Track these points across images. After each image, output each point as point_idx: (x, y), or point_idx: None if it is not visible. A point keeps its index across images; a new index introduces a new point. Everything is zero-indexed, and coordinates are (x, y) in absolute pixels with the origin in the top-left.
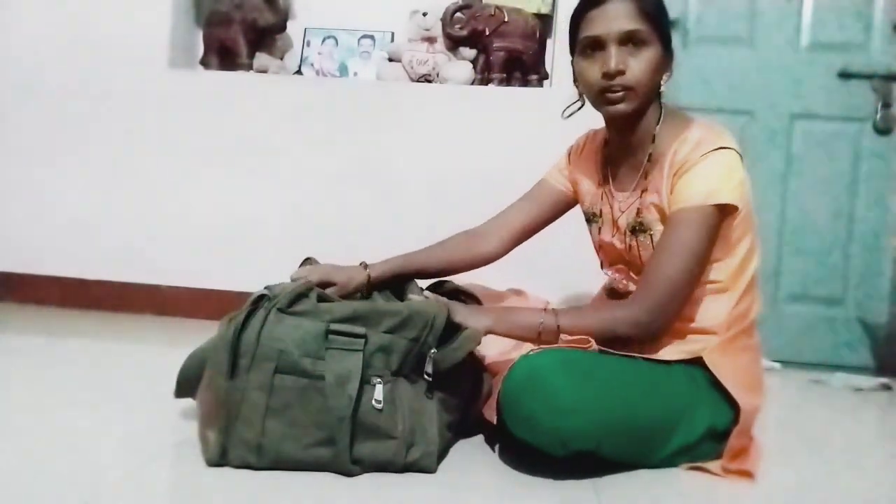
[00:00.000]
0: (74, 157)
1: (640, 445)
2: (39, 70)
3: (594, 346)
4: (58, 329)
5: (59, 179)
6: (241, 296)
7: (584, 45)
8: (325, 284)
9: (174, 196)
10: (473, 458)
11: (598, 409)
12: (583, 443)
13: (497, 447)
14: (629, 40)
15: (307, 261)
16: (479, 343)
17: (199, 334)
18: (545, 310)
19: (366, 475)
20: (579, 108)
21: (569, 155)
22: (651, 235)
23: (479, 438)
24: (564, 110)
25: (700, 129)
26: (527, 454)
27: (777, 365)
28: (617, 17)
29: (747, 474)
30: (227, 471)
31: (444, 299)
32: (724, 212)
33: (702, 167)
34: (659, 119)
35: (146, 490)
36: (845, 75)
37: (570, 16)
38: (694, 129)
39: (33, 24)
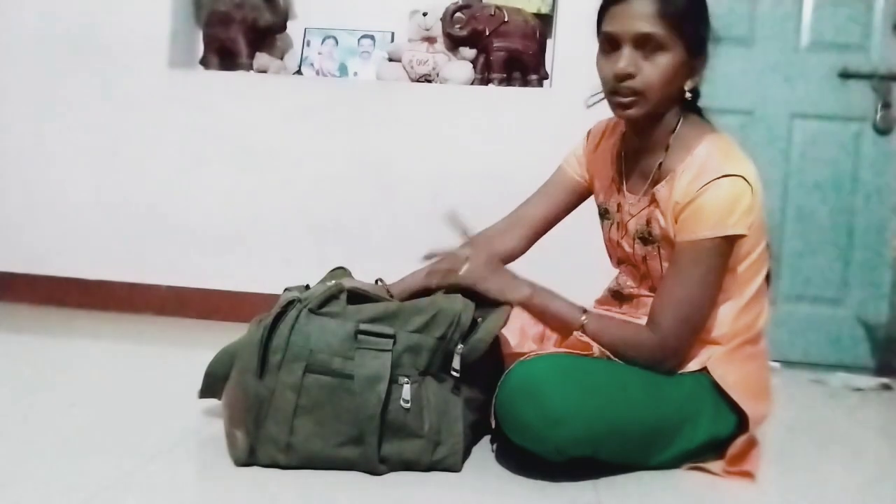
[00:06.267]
0: (74, 156)
1: (638, 451)
2: (39, 70)
3: (595, 351)
4: (58, 329)
5: (58, 179)
6: (241, 296)
7: (602, 40)
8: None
9: (174, 196)
10: (473, 458)
11: (592, 417)
12: (579, 450)
13: (495, 447)
14: (645, 43)
15: (338, 269)
16: (502, 326)
17: (199, 334)
18: (586, 310)
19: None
20: (602, 99)
21: (587, 140)
22: (659, 247)
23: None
24: (589, 98)
25: (708, 148)
26: (525, 455)
27: (777, 365)
28: (636, 18)
29: (747, 475)
30: (255, 470)
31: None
32: (733, 240)
33: (704, 200)
34: (676, 126)
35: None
36: (845, 75)
37: (594, 7)
38: (702, 149)
39: (33, 24)
